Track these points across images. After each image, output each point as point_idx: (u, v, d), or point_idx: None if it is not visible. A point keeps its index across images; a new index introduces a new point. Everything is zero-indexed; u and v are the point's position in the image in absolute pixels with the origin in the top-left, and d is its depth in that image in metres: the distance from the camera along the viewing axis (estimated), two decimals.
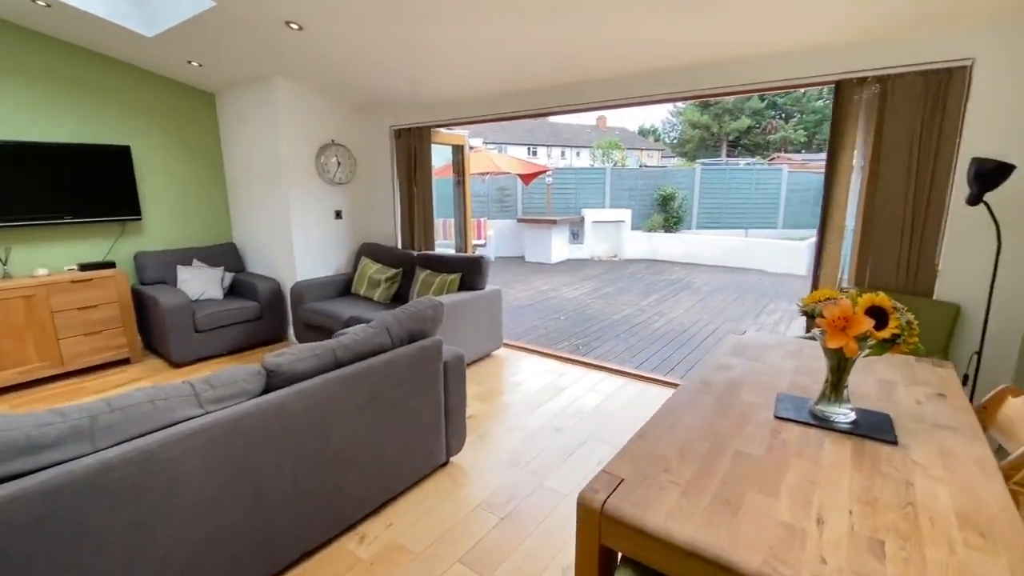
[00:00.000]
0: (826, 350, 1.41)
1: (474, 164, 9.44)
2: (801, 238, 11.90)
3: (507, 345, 4.96)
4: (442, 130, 5.30)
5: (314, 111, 4.79)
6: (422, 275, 4.59)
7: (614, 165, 14.97)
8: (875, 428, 1.42)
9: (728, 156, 34.17)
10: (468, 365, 4.34)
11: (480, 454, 2.96)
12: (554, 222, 10.59)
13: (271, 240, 4.99)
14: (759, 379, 1.81)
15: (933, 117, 2.68)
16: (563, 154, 56.51)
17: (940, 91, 2.65)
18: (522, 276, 9.50)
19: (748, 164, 11.84)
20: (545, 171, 10.86)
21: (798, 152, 28.52)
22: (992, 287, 2.47)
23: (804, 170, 12.58)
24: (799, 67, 3.04)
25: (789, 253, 9.67)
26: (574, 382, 4.08)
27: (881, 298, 1.38)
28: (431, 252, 4.91)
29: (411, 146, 5.15)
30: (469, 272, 4.42)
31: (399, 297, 4.76)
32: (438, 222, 9.81)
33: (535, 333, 5.77)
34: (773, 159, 23.05)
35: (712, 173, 11.98)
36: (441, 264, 4.60)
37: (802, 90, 18.47)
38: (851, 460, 1.28)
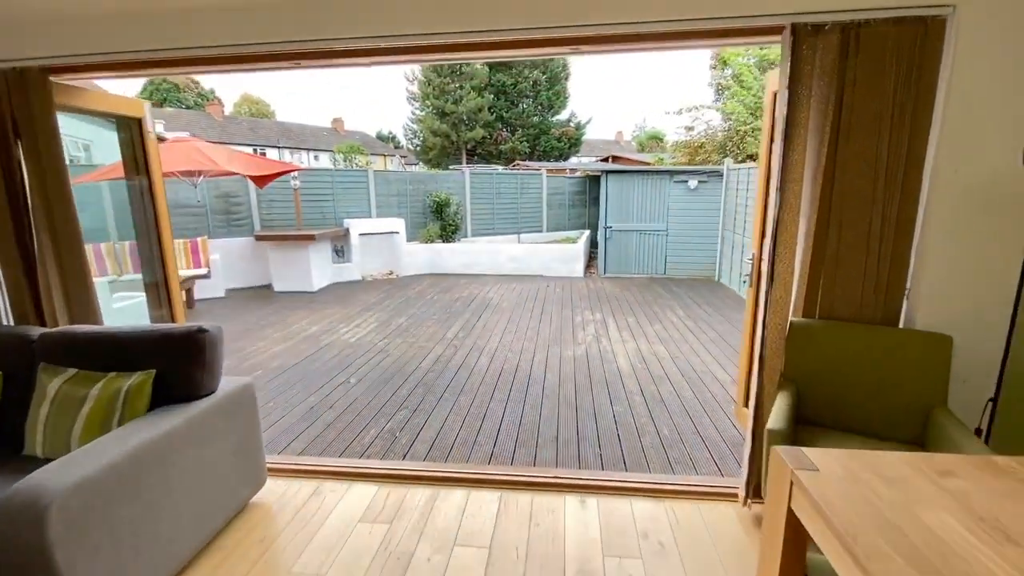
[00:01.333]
0: None
1: (175, 159, 6.36)
2: (568, 239, 12.44)
3: (276, 472, 2.80)
4: (94, 83, 2.74)
5: None
6: (53, 384, 2.09)
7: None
8: None
9: (467, 164, 35.85)
10: (194, 561, 2.10)
11: None
12: (312, 238, 8.18)
13: None
14: None
15: (908, 83, 1.97)
16: (298, 158, 50.66)
17: (915, 48, 1.95)
18: (274, 315, 6.89)
19: (506, 169, 11.78)
20: (290, 170, 8.30)
21: (524, 160, 31.65)
22: (1016, 311, 1.84)
23: (558, 175, 13.20)
24: (740, 3, 2.01)
25: (566, 256, 9.67)
26: (428, 527, 2.32)
27: None
28: (76, 330, 2.37)
29: (5, 113, 2.46)
30: (174, 363, 2.16)
31: None
32: (119, 247, 6.29)
33: (318, 426, 3.66)
34: (516, 166, 24.78)
35: (480, 178, 11.40)
36: (102, 353, 2.19)
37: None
38: None
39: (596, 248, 12.05)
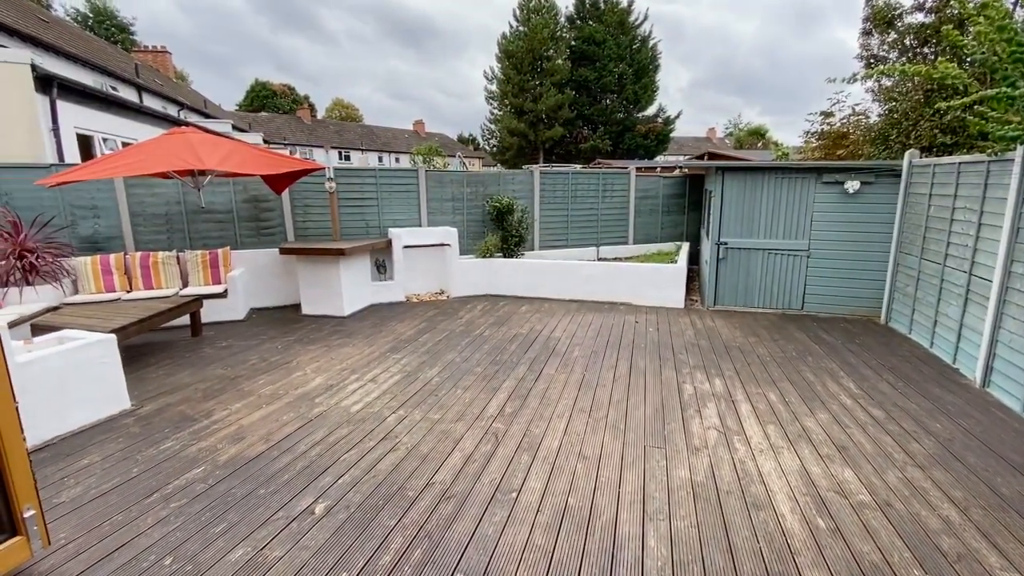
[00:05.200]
0: None
1: (161, 157, 5.05)
2: (661, 254, 10.06)
3: None
4: None
5: None
6: None
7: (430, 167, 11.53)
8: None
9: (545, 164, 33.85)
10: None
11: None
12: (341, 252, 6.67)
13: None
14: None
15: None
16: (380, 159, 51.63)
17: None
18: (280, 354, 5.38)
19: (583, 168, 9.69)
20: (314, 169, 6.83)
21: (606, 160, 29.11)
22: None
23: (649, 176, 10.85)
24: None
25: (662, 279, 7.41)
26: None
27: None
28: None
29: None
30: None
31: None
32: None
33: None
34: (597, 164, 22.48)
35: (552, 178, 9.43)
36: None
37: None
38: None
39: (694, 266, 9.60)
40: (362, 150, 49.29)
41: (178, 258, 6.94)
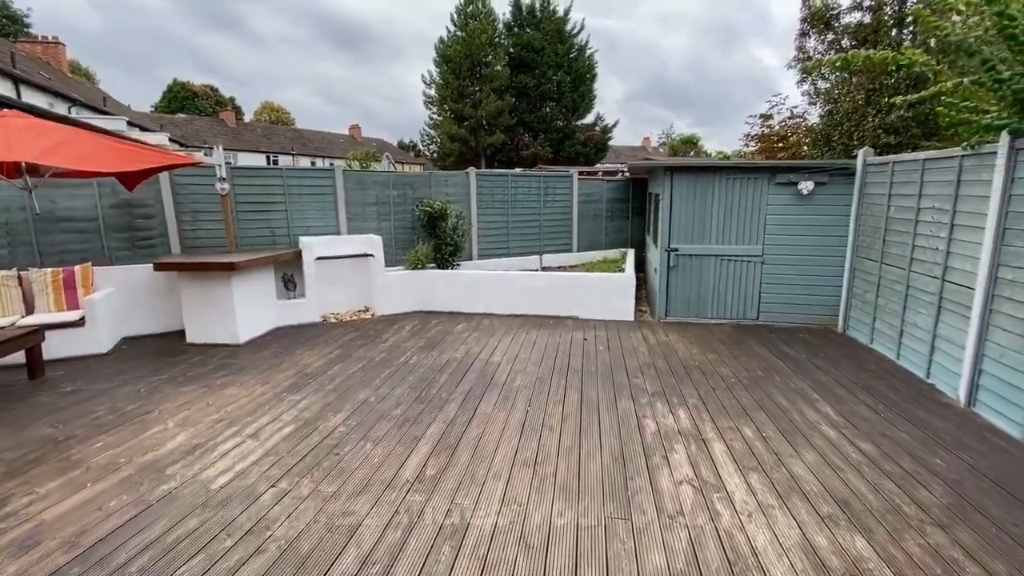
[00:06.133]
0: None
1: None
2: (607, 261, 9.47)
3: None
4: None
5: None
6: None
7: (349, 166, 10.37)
8: None
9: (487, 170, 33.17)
10: None
11: None
12: (232, 267, 5.49)
13: None
14: None
15: None
16: (313, 164, 49.06)
17: None
18: (135, 402, 4.15)
19: (524, 171, 8.89)
20: (179, 164, 5.51)
21: (548, 166, 28.86)
22: None
23: (592, 180, 10.29)
24: None
25: (610, 289, 6.76)
26: None
27: None
28: None
29: None
30: None
31: None
32: None
33: None
34: (540, 170, 22.00)
35: (491, 181, 8.62)
36: None
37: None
38: None
39: (641, 274, 9.10)
40: (293, 155, 46.51)
41: (20, 278, 5.49)
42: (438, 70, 37.06)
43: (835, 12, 8.34)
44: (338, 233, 7.43)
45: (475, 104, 35.99)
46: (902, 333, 4.80)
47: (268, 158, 45.27)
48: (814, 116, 9.02)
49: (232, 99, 61.07)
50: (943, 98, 3.99)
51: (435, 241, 7.58)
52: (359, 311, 7.19)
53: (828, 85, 8.53)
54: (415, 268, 7.24)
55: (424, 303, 7.26)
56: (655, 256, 7.15)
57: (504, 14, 38.01)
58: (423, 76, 40.11)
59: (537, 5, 38.22)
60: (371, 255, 6.99)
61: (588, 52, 38.14)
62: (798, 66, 9.23)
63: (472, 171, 8.54)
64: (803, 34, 9.13)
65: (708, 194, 6.23)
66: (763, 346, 5.53)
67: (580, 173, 10.22)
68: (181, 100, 55.31)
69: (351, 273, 7.09)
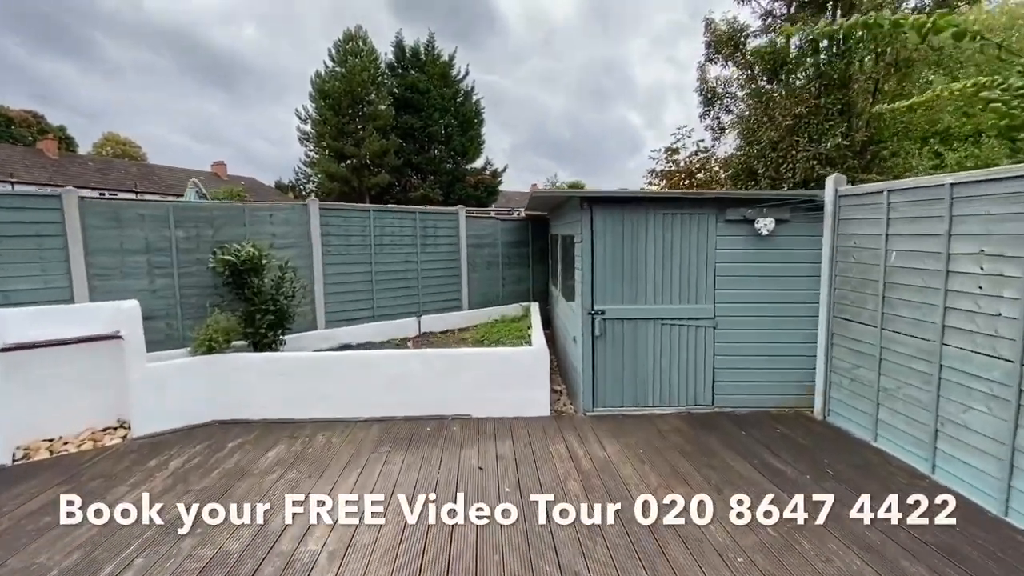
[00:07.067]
0: None
1: None
2: (506, 321, 7.38)
3: None
4: None
5: None
6: None
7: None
8: None
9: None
10: None
11: None
12: None
13: None
14: None
15: None
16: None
17: None
18: None
19: (393, 206, 6.68)
20: None
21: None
22: None
23: (483, 219, 8.32)
24: None
25: (511, 372, 4.65)
26: None
27: None
28: None
29: None
30: None
31: None
32: None
33: None
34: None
35: (343, 218, 6.25)
36: None
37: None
38: None
39: (548, 331, 7.18)
40: (136, 192, 39.39)
41: None
42: (314, 105, 34.19)
43: (743, 35, 7.63)
44: (70, 300, 4.49)
45: (357, 143, 33.53)
46: (937, 435, 3.28)
47: (101, 195, 37.73)
48: (724, 149, 8.21)
49: (61, 128, 51.58)
50: (997, 92, 2.62)
51: (246, 306, 4.93)
52: (102, 431, 4.26)
53: (736, 115, 7.74)
54: (209, 351, 4.52)
55: (226, 407, 4.53)
56: (568, 317, 5.26)
57: (386, 54, 36.60)
58: (297, 111, 36.60)
59: (421, 49, 37.45)
60: (118, 336, 4.17)
61: (474, 98, 37.89)
62: (699, 101, 8.38)
63: (313, 203, 6.10)
64: (709, 59, 8.40)
65: (640, 235, 4.51)
66: (740, 456, 3.73)
67: (471, 214, 8.26)
68: None
69: (88, 367, 4.19)
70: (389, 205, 7.82)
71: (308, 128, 35.60)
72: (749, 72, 7.61)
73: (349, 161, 33.98)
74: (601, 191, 4.66)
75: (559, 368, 6.05)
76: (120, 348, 4.25)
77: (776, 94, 6.90)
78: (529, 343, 5.47)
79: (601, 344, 4.60)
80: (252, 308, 4.90)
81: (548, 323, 7.56)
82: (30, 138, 45.66)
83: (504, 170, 39.14)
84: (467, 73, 37.71)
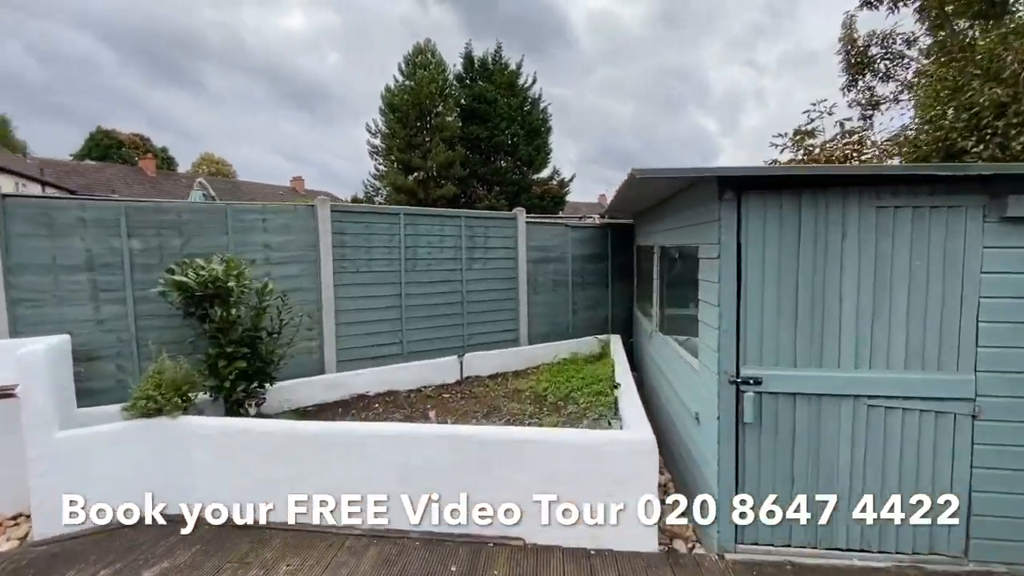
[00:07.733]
0: None
1: None
2: (577, 362, 5.40)
3: None
4: None
5: None
6: None
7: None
8: None
9: None
10: None
11: None
12: None
13: None
14: None
15: None
16: None
17: None
18: None
19: (435, 208, 5.30)
20: None
21: None
22: None
23: (550, 223, 6.53)
24: None
25: (592, 469, 2.82)
26: None
27: None
28: None
29: None
30: None
31: None
32: None
33: None
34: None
35: (364, 225, 4.71)
36: None
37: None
38: None
39: (635, 372, 5.19)
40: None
41: None
42: (384, 119, 34.50)
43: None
44: None
45: (424, 155, 33.35)
46: None
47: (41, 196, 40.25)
48: (879, 131, 5.95)
49: (164, 149, 56.56)
50: None
51: (214, 344, 3.47)
52: None
53: (901, 82, 5.47)
54: (150, 413, 3.08)
55: (169, 495, 3.07)
56: (680, 375, 3.35)
57: (455, 65, 36.37)
58: (367, 125, 37.12)
59: (489, 59, 36.87)
60: (10, 394, 2.82)
61: (542, 105, 36.66)
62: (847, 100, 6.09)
63: (322, 203, 4.62)
64: (866, 3, 6.15)
65: (830, 245, 2.55)
66: None
67: (531, 219, 6.52)
68: (104, 148, 50.59)
69: None
70: (426, 208, 6.26)
71: (378, 142, 35.99)
72: (938, 11, 5.33)
73: (416, 173, 33.90)
74: (758, 169, 2.74)
75: (665, 455, 4.09)
76: (16, 409, 2.91)
77: (990, 37, 4.62)
78: (615, 411, 3.59)
79: (754, 435, 2.65)
80: (217, 349, 3.43)
81: (631, 359, 5.63)
82: (136, 158, 50.26)
83: (572, 179, 37.45)
84: (534, 81, 36.57)
